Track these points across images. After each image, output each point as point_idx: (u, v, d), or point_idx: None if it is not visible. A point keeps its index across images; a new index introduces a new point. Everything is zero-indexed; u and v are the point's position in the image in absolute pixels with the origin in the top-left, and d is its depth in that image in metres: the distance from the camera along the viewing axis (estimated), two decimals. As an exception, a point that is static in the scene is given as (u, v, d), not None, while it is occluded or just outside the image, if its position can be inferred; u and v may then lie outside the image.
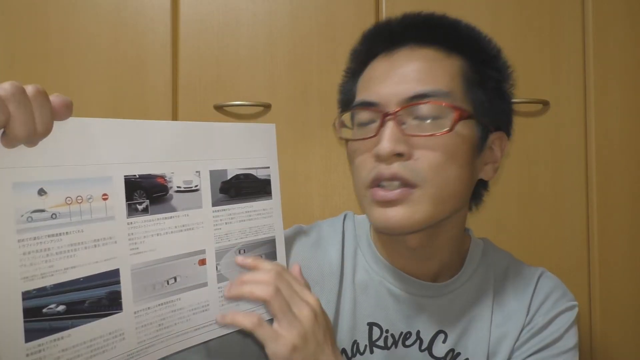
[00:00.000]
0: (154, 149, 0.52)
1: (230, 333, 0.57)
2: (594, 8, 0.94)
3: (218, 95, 0.93)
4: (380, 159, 0.57)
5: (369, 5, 0.94)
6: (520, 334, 0.64)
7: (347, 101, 0.68)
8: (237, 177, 0.59)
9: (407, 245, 0.63)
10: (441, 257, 0.65)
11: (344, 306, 0.65)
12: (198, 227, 0.55)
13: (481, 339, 0.64)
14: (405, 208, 0.57)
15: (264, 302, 0.52)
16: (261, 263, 0.56)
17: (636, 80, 0.94)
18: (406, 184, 0.56)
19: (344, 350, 0.64)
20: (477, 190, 0.68)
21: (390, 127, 0.57)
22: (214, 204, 0.57)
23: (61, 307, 0.45)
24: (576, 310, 0.65)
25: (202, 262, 0.55)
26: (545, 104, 0.93)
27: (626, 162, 0.94)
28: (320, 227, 0.72)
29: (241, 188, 0.60)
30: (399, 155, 0.56)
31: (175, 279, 0.53)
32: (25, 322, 0.42)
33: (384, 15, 0.93)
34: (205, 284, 0.55)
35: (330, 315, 0.64)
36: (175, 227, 0.53)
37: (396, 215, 0.57)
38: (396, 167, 0.56)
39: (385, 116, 0.57)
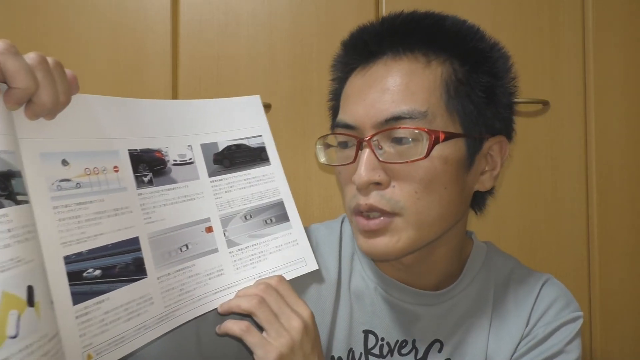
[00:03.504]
0: (149, 125, 0.55)
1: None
2: (594, 8, 0.94)
3: (218, 95, 0.93)
4: (357, 188, 0.55)
5: (369, 5, 0.94)
6: (517, 346, 0.61)
7: (337, 111, 0.64)
8: (228, 148, 0.62)
9: (402, 263, 0.61)
10: (440, 270, 0.63)
11: (340, 314, 0.63)
12: (199, 197, 0.58)
13: (478, 349, 0.61)
14: (388, 237, 0.55)
15: (251, 315, 0.52)
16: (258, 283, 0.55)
17: (636, 80, 0.94)
18: (385, 214, 0.54)
19: (339, 359, 0.63)
20: (480, 197, 0.65)
21: (366, 154, 0.54)
22: (211, 175, 0.59)
23: (98, 272, 0.47)
24: (580, 321, 0.62)
25: (209, 229, 0.58)
26: (545, 104, 0.93)
27: (626, 162, 0.94)
28: (317, 230, 0.70)
29: (234, 158, 0.62)
30: (376, 184, 0.54)
31: (187, 246, 0.55)
32: (70, 285, 0.44)
33: (384, 15, 0.93)
34: (216, 250, 0.58)
35: (327, 322, 0.62)
36: (178, 197, 0.56)
37: (380, 244, 0.55)
38: (373, 198, 0.54)
39: (360, 142, 0.55)
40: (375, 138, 0.54)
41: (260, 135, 0.64)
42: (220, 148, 0.61)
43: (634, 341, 0.94)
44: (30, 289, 0.37)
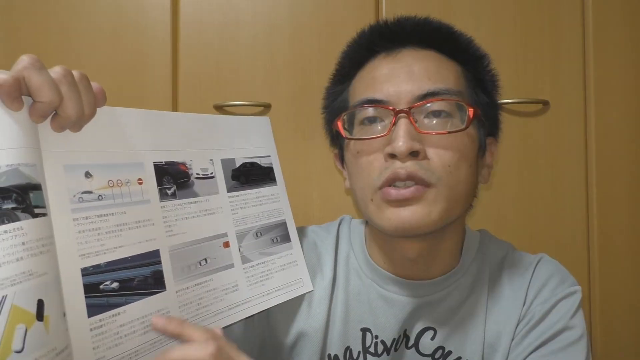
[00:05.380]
0: (174, 138, 0.55)
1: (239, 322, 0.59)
2: (594, 8, 0.94)
3: (218, 94, 0.92)
4: (395, 157, 0.55)
5: (369, 5, 0.94)
6: (516, 328, 0.60)
7: (337, 106, 0.66)
8: (244, 165, 0.63)
9: (407, 256, 0.61)
10: (441, 264, 0.63)
11: (335, 311, 0.64)
12: (218, 212, 0.58)
13: (475, 337, 0.61)
14: (421, 207, 0.55)
15: None
16: (190, 330, 0.45)
17: (636, 80, 0.94)
18: (421, 183, 0.54)
19: (335, 357, 0.63)
20: None
21: (405, 125, 0.55)
22: (229, 190, 0.60)
23: (115, 284, 0.46)
24: (579, 295, 0.61)
25: (226, 244, 0.58)
26: (545, 104, 0.93)
27: (626, 161, 0.94)
28: (315, 232, 0.72)
29: (249, 175, 0.63)
30: (413, 154, 0.54)
31: (205, 260, 0.55)
32: (86, 297, 0.43)
33: (384, 15, 0.93)
34: (232, 265, 0.58)
35: (321, 322, 0.63)
36: (200, 211, 0.56)
37: (413, 215, 0.55)
38: (411, 167, 0.54)
39: (398, 113, 0.55)
40: (413, 110, 0.56)
41: (269, 156, 0.66)
42: (237, 164, 0.62)
43: (635, 341, 0.94)
44: (40, 303, 0.37)
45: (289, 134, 0.93)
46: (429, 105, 0.56)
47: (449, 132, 0.55)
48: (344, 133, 0.62)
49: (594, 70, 0.94)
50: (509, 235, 0.94)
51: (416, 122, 0.56)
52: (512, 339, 0.60)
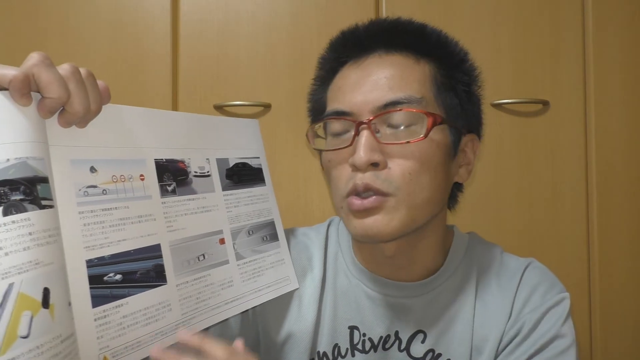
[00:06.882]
0: (173, 136, 0.57)
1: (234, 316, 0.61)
2: (594, 8, 0.94)
3: (218, 95, 0.93)
4: (356, 168, 0.57)
5: (369, 5, 0.94)
6: (503, 333, 0.61)
7: (318, 110, 0.68)
8: (237, 165, 0.65)
9: (385, 254, 0.62)
10: (422, 264, 0.64)
11: (325, 311, 0.66)
12: (214, 209, 0.60)
13: (463, 338, 0.62)
14: (382, 216, 0.57)
15: None
16: (211, 346, 0.48)
17: (636, 80, 0.94)
18: (379, 194, 0.56)
19: (324, 354, 0.65)
20: (453, 193, 0.68)
21: (365, 136, 0.56)
22: (223, 189, 0.62)
23: (118, 276, 0.48)
24: (568, 301, 0.61)
25: (222, 241, 0.60)
26: (545, 104, 0.93)
27: (626, 162, 0.94)
28: (305, 234, 0.73)
29: (241, 175, 0.65)
30: (373, 165, 0.56)
31: (203, 255, 0.57)
32: (90, 288, 0.45)
33: (384, 15, 0.93)
34: (227, 262, 0.60)
35: (311, 319, 0.65)
36: (197, 208, 0.58)
37: (374, 223, 0.57)
38: (369, 178, 0.56)
39: (359, 125, 0.57)
40: (374, 121, 0.57)
41: (258, 157, 0.68)
42: (231, 164, 0.64)
43: (634, 341, 0.94)
44: (46, 291, 0.38)
45: (289, 133, 0.93)
46: (389, 115, 0.57)
47: (408, 142, 0.56)
48: (312, 144, 0.65)
49: (594, 70, 0.94)
50: (509, 235, 0.94)
51: (378, 132, 0.57)
52: (499, 344, 0.60)
